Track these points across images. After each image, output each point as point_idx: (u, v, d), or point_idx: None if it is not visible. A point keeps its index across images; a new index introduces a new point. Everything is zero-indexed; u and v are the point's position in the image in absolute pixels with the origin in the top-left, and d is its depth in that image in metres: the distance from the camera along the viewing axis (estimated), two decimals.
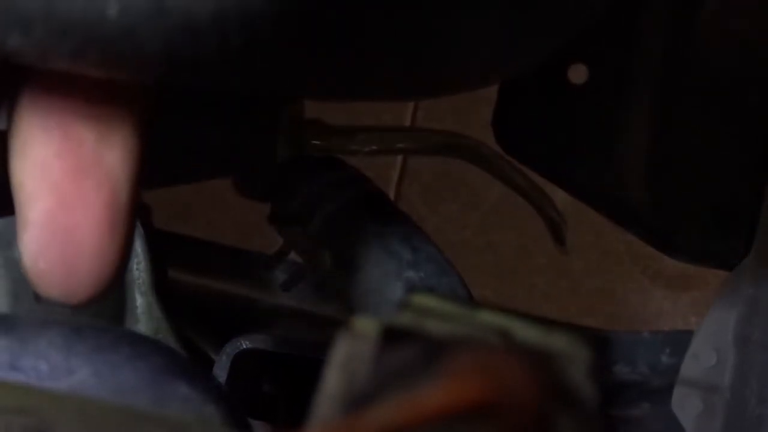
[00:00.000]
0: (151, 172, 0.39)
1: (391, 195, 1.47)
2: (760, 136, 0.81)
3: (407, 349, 0.34)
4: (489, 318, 0.36)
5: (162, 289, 0.80)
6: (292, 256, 0.82)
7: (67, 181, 0.37)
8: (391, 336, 0.34)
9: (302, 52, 0.38)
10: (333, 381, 0.34)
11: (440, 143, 0.76)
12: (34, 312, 0.71)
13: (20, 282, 0.71)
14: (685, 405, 0.74)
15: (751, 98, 0.81)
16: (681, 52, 0.81)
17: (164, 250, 0.83)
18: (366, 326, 0.35)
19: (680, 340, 0.80)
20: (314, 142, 0.72)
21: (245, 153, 0.67)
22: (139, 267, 0.79)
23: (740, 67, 0.81)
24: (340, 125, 0.72)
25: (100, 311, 0.77)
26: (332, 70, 0.41)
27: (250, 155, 0.68)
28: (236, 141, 0.67)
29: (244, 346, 0.76)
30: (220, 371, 0.75)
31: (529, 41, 0.49)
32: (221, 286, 0.94)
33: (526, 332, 0.35)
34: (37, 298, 0.61)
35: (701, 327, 0.75)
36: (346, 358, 0.34)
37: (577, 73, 0.82)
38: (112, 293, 0.42)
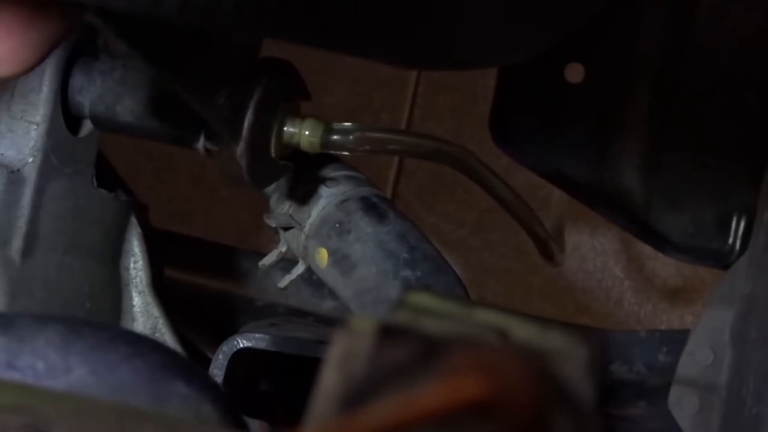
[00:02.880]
0: None
1: (388, 194, 1.47)
2: (757, 135, 0.81)
3: (404, 348, 0.34)
4: (486, 316, 0.36)
5: (159, 288, 0.80)
6: (290, 255, 0.82)
7: None
8: (388, 334, 0.34)
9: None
10: (330, 379, 0.34)
11: (430, 149, 0.76)
12: (31, 310, 0.71)
13: (17, 281, 0.71)
14: (682, 403, 0.74)
15: (749, 98, 0.81)
16: (679, 52, 0.81)
17: (162, 250, 0.83)
18: (363, 325, 0.35)
19: (677, 339, 0.80)
20: (311, 139, 0.72)
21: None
22: (136, 266, 0.79)
23: (738, 66, 0.81)
24: (336, 124, 0.72)
25: (97, 310, 0.77)
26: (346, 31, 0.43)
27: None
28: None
29: (241, 345, 0.76)
30: (217, 370, 0.75)
31: (533, 24, 0.50)
32: (219, 285, 0.94)
33: (523, 331, 0.35)
34: None
35: (698, 326, 0.75)
36: (344, 357, 0.34)
37: (574, 72, 0.82)
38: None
